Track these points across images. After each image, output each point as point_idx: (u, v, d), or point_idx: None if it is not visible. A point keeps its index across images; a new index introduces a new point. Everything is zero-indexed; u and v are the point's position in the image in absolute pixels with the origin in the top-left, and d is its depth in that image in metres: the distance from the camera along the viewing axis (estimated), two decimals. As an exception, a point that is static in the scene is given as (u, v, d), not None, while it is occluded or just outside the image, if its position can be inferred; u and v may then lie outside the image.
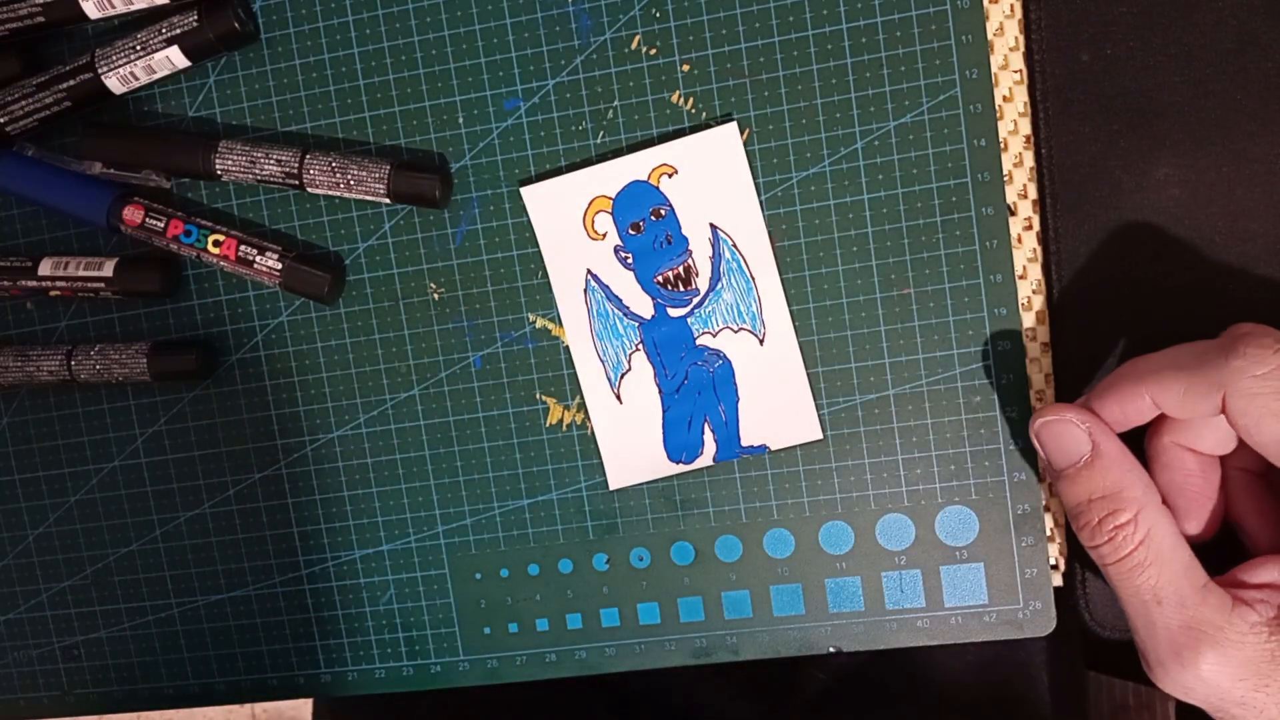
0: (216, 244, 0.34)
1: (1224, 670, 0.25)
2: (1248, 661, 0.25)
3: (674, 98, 0.33)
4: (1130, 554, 0.26)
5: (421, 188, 0.33)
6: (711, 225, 0.33)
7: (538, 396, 0.35)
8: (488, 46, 0.34)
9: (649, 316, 0.34)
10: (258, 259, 0.34)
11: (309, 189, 0.34)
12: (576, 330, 0.34)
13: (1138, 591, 0.26)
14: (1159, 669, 0.26)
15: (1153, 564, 0.26)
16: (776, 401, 0.34)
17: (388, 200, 0.33)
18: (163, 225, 0.34)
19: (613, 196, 0.33)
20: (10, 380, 0.36)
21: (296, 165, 0.33)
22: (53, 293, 0.36)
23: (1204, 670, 0.25)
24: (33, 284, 0.35)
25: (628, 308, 0.34)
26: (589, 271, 0.34)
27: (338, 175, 0.33)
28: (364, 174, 0.33)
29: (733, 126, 0.33)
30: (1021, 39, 0.32)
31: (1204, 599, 0.25)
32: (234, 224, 0.35)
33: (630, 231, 0.34)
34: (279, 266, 0.34)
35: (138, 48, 0.33)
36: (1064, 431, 0.27)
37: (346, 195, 0.34)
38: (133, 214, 0.34)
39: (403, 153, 0.34)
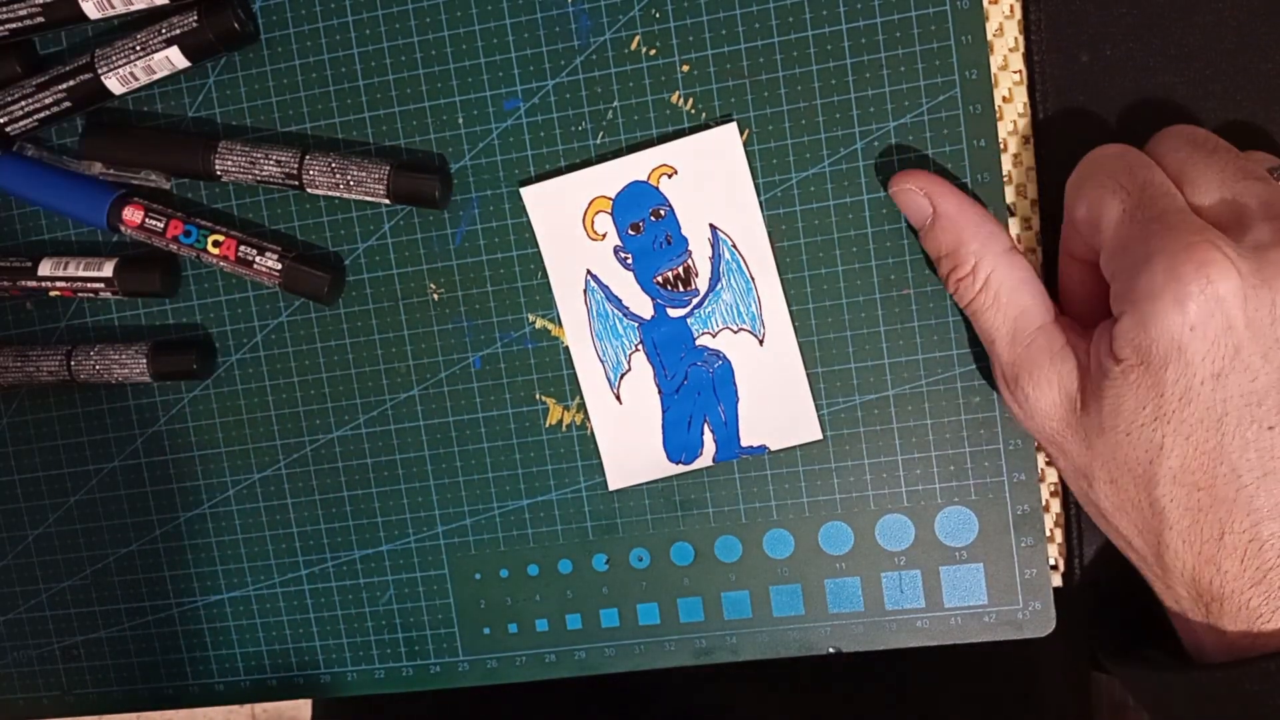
0: (216, 244, 0.34)
1: (1041, 400, 0.29)
2: (1058, 400, 0.28)
3: (674, 98, 0.33)
4: (973, 299, 0.30)
5: (421, 188, 0.33)
6: (711, 225, 0.33)
7: (537, 397, 0.35)
8: (488, 46, 0.34)
9: (649, 317, 0.34)
10: (257, 259, 0.34)
11: (309, 189, 0.34)
12: (576, 331, 0.34)
13: (984, 330, 0.30)
14: (1004, 391, 0.30)
15: (993, 307, 0.29)
16: (776, 402, 0.34)
17: (387, 201, 0.33)
18: (162, 225, 0.34)
19: (612, 197, 0.33)
20: (10, 380, 0.36)
21: (296, 165, 0.33)
22: (53, 293, 0.36)
23: (1029, 397, 0.29)
24: (33, 284, 0.36)
25: (627, 308, 0.34)
26: (589, 272, 0.34)
27: (337, 176, 0.33)
28: (364, 174, 0.33)
29: (732, 127, 0.33)
30: (1021, 40, 0.32)
31: (1034, 339, 0.29)
32: (234, 224, 0.35)
33: (630, 232, 0.34)
34: (279, 267, 0.34)
35: (138, 48, 0.33)
36: (908, 198, 0.31)
37: (346, 196, 0.34)
38: (133, 214, 0.35)
39: (403, 153, 0.34)
